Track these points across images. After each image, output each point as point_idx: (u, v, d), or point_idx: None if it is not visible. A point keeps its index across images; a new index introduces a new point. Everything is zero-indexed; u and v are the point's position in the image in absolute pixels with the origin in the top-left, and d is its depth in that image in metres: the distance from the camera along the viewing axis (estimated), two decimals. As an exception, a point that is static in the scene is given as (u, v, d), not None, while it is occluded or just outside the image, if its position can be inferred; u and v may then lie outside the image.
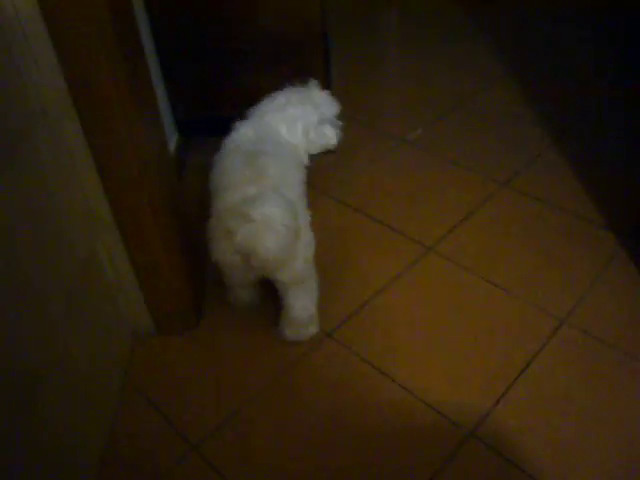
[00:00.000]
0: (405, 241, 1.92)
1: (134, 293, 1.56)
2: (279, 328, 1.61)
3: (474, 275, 1.80)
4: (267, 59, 2.20)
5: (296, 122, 1.65)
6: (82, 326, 1.35)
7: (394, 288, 1.78)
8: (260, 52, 2.18)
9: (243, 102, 2.30)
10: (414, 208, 2.06)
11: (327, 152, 1.78)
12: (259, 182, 1.40)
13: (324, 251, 1.93)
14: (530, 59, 2.98)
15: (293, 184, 1.51)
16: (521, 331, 1.63)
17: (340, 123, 1.75)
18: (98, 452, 1.39)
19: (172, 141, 2.29)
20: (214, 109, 2.35)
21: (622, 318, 1.66)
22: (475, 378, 1.53)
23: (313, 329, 1.62)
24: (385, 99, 2.72)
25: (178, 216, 1.58)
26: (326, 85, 2.07)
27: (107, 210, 1.39)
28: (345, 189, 2.15)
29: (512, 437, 1.40)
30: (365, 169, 2.26)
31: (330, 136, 1.72)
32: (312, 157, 1.74)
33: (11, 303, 1.07)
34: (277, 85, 2.21)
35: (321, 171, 2.08)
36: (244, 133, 1.62)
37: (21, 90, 1.14)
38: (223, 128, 2.42)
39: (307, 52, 2.18)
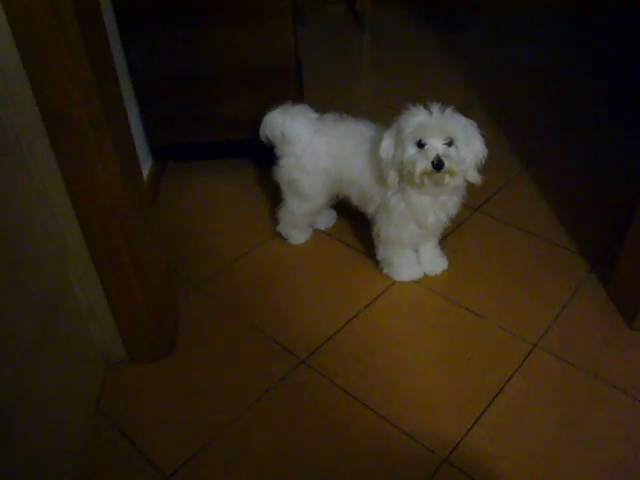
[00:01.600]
0: (377, 268, 1.93)
1: (107, 322, 1.55)
2: None
3: (448, 301, 1.82)
4: (241, 86, 2.22)
5: None
6: (53, 356, 1.34)
7: (368, 315, 1.78)
8: (234, 79, 2.20)
9: (218, 128, 2.34)
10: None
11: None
12: None
13: (295, 276, 1.95)
14: (498, 85, 3.05)
15: None
16: (494, 356, 1.65)
17: None
18: (70, 483, 1.36)
19: (146, 167, 2.28)
20: (189, 135, 2.36)
21: (593, 342, 1.68)
22: (450, 404, 1.53)
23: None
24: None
25: (152, 243, 1.58)
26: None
27: (80, 238, 1.38)
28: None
29: (486, 463, 1.40)
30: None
31: None
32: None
33: (-20, 334, 1.05)
34: (251, 111, 2.25)
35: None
36: None
37: (-7, 118, 1.14)
38: (197, 154, 2.45)
39: (281, 79, 2.21)
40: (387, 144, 1.63)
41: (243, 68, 2.17)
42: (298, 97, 2.23)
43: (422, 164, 1.55)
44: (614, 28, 3.52)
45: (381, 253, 1.86)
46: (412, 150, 1.58)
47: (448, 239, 1.94)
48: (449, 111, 1.58)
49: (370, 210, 1.84)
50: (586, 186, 2.30)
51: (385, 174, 1.66)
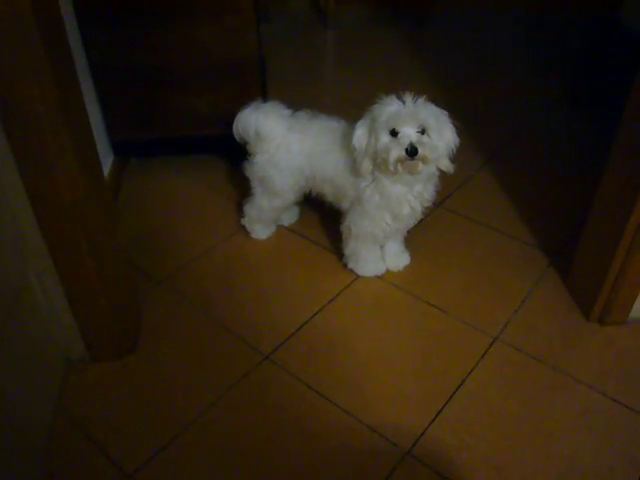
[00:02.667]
0: (340, 263, 1.94)
1: (67, 320, 1.52)
2: None
3: (410, 295, 1.83)
4: (204, 81, 2.20)
5: None
6: (10, 355, 1.31)
7: (331, 310, 1.79)
8: (196, 75, 2.18)
9: (180, 124, 2.32)
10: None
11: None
12: None
13: (259, 272, 1.95)
14: (461, 82, 3.09)
15: None
16: (456, 349, 1.67)
17: None
18: (29, 485, 1.34)
19: (108, 163, 2.25)
20: (151, 131, 2.34)
21: (552, 334, 1.71)
22: (412, 397, 1.55)
23: None
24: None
25: (113, 239, 1.56)
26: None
27: (38, 235, 1.36)
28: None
29: (449, 455, 1.42)
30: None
31: None
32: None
33: None
34: (214, 107, 2.24)
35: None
36: None
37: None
38: (160, 150, 2.43)
39: (244, 74, 2.20)
40: (360, 133, 1.64)
41: (205, 64, 2.16)
42: (261, 93, 2.22)
43: (396, 151, 1.57)
44: (576, 28, 3.58)
45: (350, 247, 1.87)
46: (386, 138, 1.59)
47: (410, 235, 1.96)
48: (421, 100, 1.60)
49: (345, 206, 1.84)
50: (545, 181, 2.34)
51: (358, 163, 1.67)
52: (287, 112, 1.87)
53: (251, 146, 1.87)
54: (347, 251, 1.89)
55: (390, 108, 1.58)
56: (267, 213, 1.98)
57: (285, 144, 1.83)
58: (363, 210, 1.76)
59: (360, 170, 1.67)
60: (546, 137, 2.64)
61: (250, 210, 2.00)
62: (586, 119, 2.71)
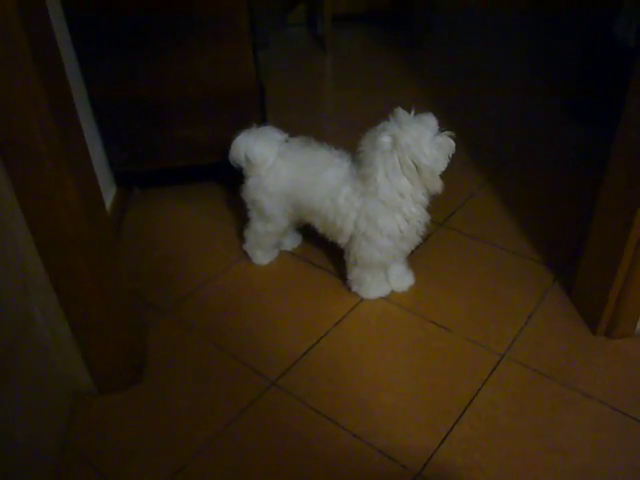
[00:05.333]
0: (344, 286, 1.93)
1: (73, 353, 1.52)
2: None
3: (415, 315, 1.83)
4: (204, 110, 2.22)
5: None
6: (17, 389, 1.31)
7: (337, 333, 1.79)
8: (196, 103, 2.21)
9: (182, 153, 2.34)
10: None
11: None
12: None
13: (263, 298, 1.95)
14: (460, 99, 3.10)
15: None
16: (463, 368, 1.66)
17: None
18: (38, 521, 1.33)
19: (110, 194, 2.27)
20: (153, 161, 2.36)
21: (559, 349, 1.70)
22: (421, 418, 1.54)
23: None
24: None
25: (116, 271, 1.57)
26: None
27: (41, 268, 1.37)
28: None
29: (460, 475, 1.41)
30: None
31: None
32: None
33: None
34: (215, 135, 2.26)
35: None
36: None
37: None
38: (162, 179, 2.45)
39: (243, 103, 2.22)
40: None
41: (204, 92, 2.18)
42: (261, 119, 2.25)
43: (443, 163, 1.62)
44: (574, 41, 3.62)
45: (354, 274, 1.86)
46: (434, 150, 1.60)
47: (414, 255, 1.96)
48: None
49: (342, 241, 1.81)
50: (547, 197, 2.34)
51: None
52: (281, 137, 1.87)
53: (244, 170, 1.88)
54: (351, 277, 1.88)
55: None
56: (263, 238, 1.98)
57: (275, 169, 1.83)
58: (372, 243, 1.72)
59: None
60: (546, 153, 2.65)
61: (249, 235, 2.01)
62: (586, 134, 2.72)
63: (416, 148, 1.56)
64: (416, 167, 1.58)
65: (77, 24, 1.99)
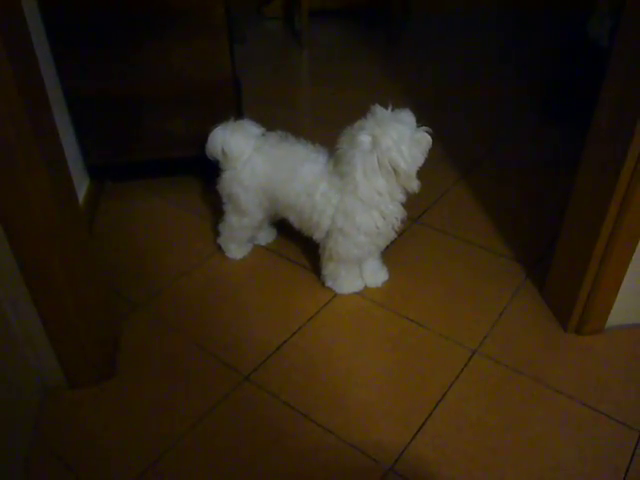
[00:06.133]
0: (318, 281, 1.94)
1: (43, 346, 1.50)
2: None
3: (389, 311, 1.84)
4: (178, 104, 2.21)
5: None
6: (-14, 384, 1.30)
7: (311, 328, 1.79)
8: (171, 97, 2.19)
9: (156, 146, 2.32)
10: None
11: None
12: None
13: (237, 293, 1.94)
14: (435, 96, 3.12)
15: None
16: (435, 363, 1.67)
17: None
18: (6, 517, 1.32)
19: (83, 187, 2.24)
20: (127, 154, 2.33)
21: (530, 345, 1.73)
22: (393, 413, 1.55)
23: None
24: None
25: (89, 264, 1.55)
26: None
27: (12, 261, 1.35)
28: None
29: (431, 470, 1.42)
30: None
31: None
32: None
33: None
34: (190, 129, 2.24)
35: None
36: None
37: None
38: (136, 173, 2.42)
39: (219, 96, 2.21)
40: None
41: (180, 86, 2.17)
42: (237, 113, 2.23)
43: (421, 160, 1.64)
44: (549, 41, 3.65)
45: (329, 269, 1.86)
46: (414, 149, 1.61)
47: (388, 251, 1.97)
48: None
49: (318, 236, 1.81)
50: (520, 195, 2.37)
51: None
52: (258, 131, 1.87)
53: (221, 163, 1.87)
54: (325, 272, 1.89)
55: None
56: (238, 231, 1.97)
57: (251, 163, 1.82)
58: (349, 238, 1.72)
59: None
60: (520, 152, 2.67)
61: (223, 229, 2.00)
62: (561, 133, 2.75)
63: (396, 152, 1.56)
64: (394, 170, 1.59)
65: (51, 18, 1.97)
